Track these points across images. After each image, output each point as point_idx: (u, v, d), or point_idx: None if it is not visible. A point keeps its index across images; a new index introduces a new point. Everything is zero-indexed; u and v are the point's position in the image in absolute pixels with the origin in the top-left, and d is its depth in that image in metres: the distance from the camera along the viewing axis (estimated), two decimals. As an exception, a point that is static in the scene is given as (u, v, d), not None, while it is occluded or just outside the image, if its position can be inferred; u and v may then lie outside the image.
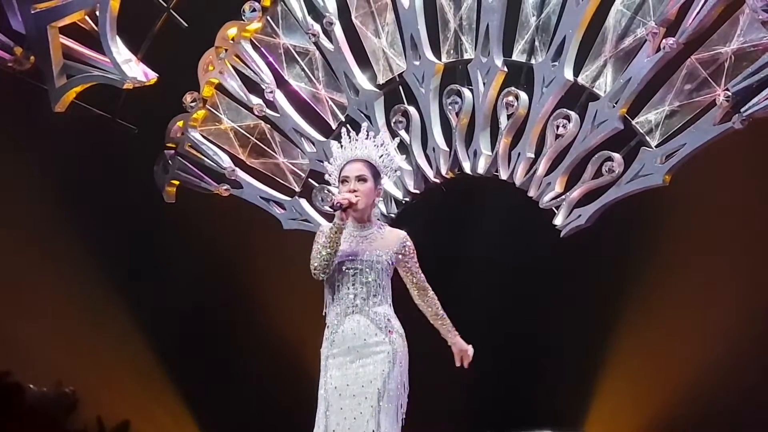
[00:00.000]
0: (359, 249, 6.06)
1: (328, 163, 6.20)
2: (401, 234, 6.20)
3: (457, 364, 6.17)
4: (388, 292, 6.14)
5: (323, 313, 6.16)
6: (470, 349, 6.19)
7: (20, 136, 8.50)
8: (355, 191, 6.03)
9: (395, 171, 6.26)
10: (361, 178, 6.08)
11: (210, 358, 8.55)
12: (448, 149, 7.84)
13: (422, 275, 6.21)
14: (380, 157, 6.17)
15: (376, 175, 6.12)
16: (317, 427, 6.04)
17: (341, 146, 6.17)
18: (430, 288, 6.22)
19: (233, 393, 8.46)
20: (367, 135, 6.20)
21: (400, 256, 6.13)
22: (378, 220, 6.27)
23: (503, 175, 7.70)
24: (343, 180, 6.09)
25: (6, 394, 8.06)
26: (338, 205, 5.97)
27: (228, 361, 8.52)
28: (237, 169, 8.26)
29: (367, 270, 6.06)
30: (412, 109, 7.90)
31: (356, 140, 6.18)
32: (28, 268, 8.49)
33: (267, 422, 8.37)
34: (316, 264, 6.00)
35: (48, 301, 8.48)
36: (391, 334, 6.05)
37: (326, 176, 6.26)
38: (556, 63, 7.52)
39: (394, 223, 7.94)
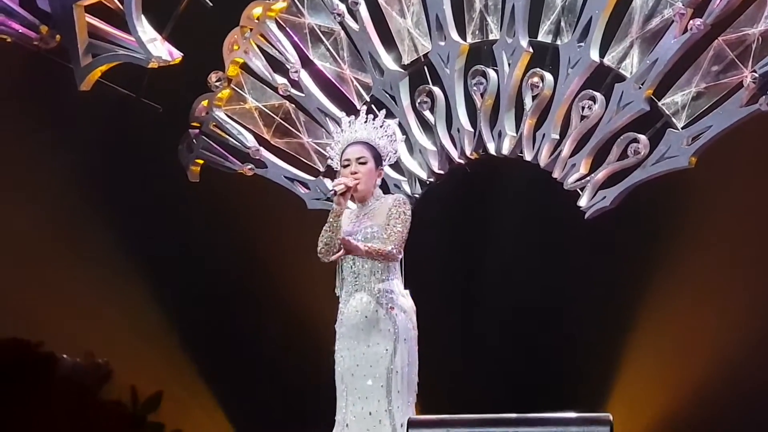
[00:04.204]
0: (358, 227, 6.17)
1: (330, 147, 6.33)
2: (390, 199, 6.27)
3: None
4: (393, 267, 6.19)
5: (337, 293, 6.26)
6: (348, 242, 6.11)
7: (45, 115, 8.53)
8: (355, 173, 6.14)
9: (395, 152, 6.36)
10: (361, 161, 6.22)
11: (232, 336, 8.59)
12: (472, 130, 7.82)
13: (390, 232, 6.15)
14: (380, 138, 6.28)
15: (377, 156, 6.28)
16: (338, 405, 6.15)
17: (342, 130, 6.30)
18: (389, 241, 6.14)
19: (258, 373, 8.49)
20: (366, 118, 6.31)
21: (387, 219, 6.18)
22: (382, 194, 6.33)
23: (528, 156, 7.68)
24: (345, 164, 6.23)
25: (40, 364, 8.17)
26: (332, 192, 6.17)
27: (252, 340, 8.55)
28: (261, 148, 8.26)
29: None
30: (436, 90, 7.88)
31: (355, 123, 6.30)
32: (58, 243, 8.54)
33: (290, 399, 8.40)
34: (319, 247, 6.22)
35: (76, 277, 8.52)
36: (392, 311, 6.13)
37: (328, 161, 6.40)
38: (582, 44, 7.49)
39: (419, 203, 7.95)
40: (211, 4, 8.20)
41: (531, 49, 7.64)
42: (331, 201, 7.92)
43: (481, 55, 7.80)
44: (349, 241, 6.05)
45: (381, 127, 6.36)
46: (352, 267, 6.23)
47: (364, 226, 6.22)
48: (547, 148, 7.62)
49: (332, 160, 6.42)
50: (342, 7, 8.01)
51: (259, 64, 8.22)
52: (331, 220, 6.20)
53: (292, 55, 8.15)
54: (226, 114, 8.35)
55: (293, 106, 8.22)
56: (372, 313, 6.15)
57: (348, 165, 6.27)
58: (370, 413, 6.05)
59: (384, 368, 6.07)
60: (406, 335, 6.15)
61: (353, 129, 6.35)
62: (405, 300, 6.21)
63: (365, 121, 6.37)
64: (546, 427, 5.50)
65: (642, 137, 7.39)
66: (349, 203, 6.37)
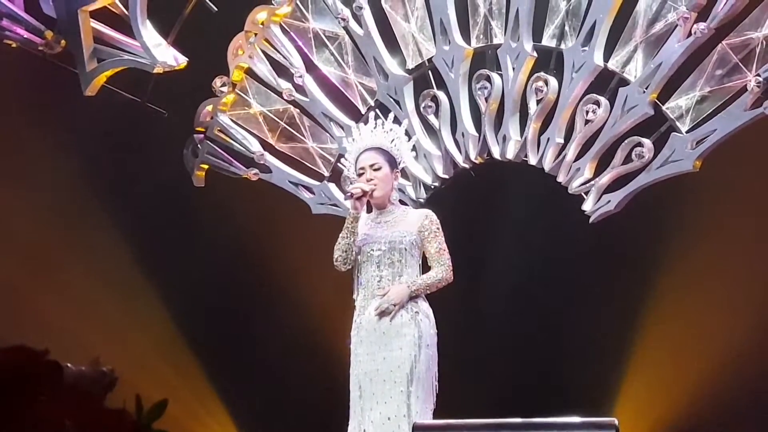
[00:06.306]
0: (383, 232, 6.15)
1: (344, 158, 6.35)
2: (422, 212, 6.30)
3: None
4: (416, 273, 6.19)
5: (354, 297, 6.24)
6: (383, 302, 6.14)
7: (51, 120, 8.54)
8: (371, 180, 6.14)
9: (411, 152, 6.37)
10: (375, 167, 6.21)
11: (240, 342, 8.59)
12: (477, 134, 7.81)
13: (437, 254, 6.20)
14: (392, 142, 6.28)
15: (391, 160, 6.26)
16: (352, 411, 6.12)
17: (353, 140, 6.32)
18: (441, 266, 6.20)
19: (268, 380, 8.49)
20: (375, 124, 6.32)
21: (422, 233, 6.19)
22: (404, 204, 6.35)
23: (532, 160, 7.68)
24: (360, 172, 6.22)
25: (45, 372, 8.15)
26: (349, 195, 6.16)
27: (263, 346, 8.55)
28: (266, 153, 8.26)
29: (391, 251, 6.15)
30: (441, 94, 7.88)
31: (365, 131, 6.32)
32: (64, 250, 8.54)
33: (301, 407, 8.40)
34: (336, 255, 6.16)
35: (81, 283, 8.53)
36: (417, 316, 6.10)
37: (344, 172, 6.41)
38: (586, 48, 7.49)
39: (423, 207, 7.95)
40: (215, 9, 8.21)
41: (535, 54, 7.63)
42: (336, 206, 8.02)
43: (486, 59, 7.80)
44: (402, 294, 6.08)
45: (391, 131, 6.37)
46: (375, 271, 6.18)
47: (392, 231, 6.18)
48: (552, 152, 7.62)
49: (347, 170, 6.41)
50: (346, 12, 8.02)
51: (263, 69, 8.23)
52: (348, 225, 6.17)
53: (297, 60, 8.15)
54: (230, 119, 8.35)
55: (298, 110, 8.22)
56: (396, 317, 6.11)
57: (363, 173, 6.25)
58: (389, 418, 6.00)
59: (405, 373, 6.02)
60: (429, 341, 6.13)
61: (363, 137, 6.34)
62: (427, 305, 6.20)
63: (374, 127, 6.36)
64: (550, 432, 5.49)
65: (646, 141, 7.39)
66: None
